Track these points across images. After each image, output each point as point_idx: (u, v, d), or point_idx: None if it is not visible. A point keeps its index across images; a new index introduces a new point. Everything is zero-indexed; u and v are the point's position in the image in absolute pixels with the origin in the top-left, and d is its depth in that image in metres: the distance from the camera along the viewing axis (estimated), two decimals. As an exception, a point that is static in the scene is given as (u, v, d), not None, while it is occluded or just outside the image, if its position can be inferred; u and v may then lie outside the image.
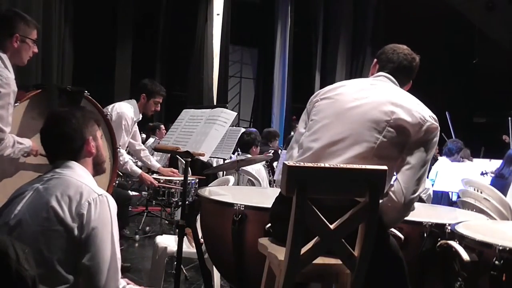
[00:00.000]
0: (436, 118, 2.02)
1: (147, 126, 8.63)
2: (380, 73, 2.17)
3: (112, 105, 4.02)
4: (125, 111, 3.92)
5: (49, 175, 1.80)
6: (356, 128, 1.94)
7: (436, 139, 2.01)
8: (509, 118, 7.86)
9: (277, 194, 2.00)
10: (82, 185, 1.75)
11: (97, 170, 1.94)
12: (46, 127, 1.91)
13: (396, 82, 2.14)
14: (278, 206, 1.99)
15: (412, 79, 2.24)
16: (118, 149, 3.38)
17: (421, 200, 4.09)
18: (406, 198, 1.93)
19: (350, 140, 1.92)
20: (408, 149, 1.95)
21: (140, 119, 4.10)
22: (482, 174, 5.04)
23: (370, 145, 1.91)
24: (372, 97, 2.01)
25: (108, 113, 3.85)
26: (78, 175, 1.80)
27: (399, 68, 2.17)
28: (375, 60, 2.25)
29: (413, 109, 1.97)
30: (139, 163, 4.90)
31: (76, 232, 1.67)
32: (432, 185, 5.68)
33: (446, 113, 8.50)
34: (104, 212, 1.73)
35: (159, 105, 4.11)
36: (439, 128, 2.01)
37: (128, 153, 4.36)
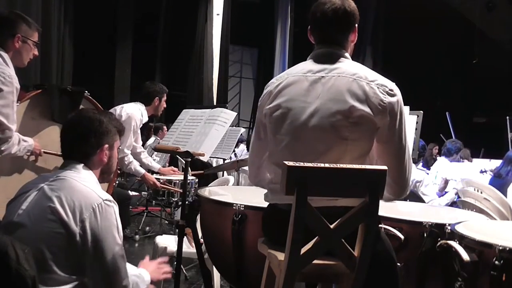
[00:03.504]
0: (391, 85, 1.84)
1: (147, 126, 8.61)
2: (318, 51, 1.96)
3: (121, 106, 4.11)
4: (135, 112, 4.00)
5: (55, 176, 1.79)
6: (319, 145, 1.81)
7: (402, 108, 1.84)
8: (507, 117, 7.86)
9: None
10: (87, 189, 1.74)
11: (103, 178, 1.92)
12: (69, 121, 1.91)
13: (341, 48, 1.94)
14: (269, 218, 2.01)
15: (354, 25, 1.95)
16: (120, 149, 3.39)
17: (421, 200, 4.10)
18: (400, 182, 1.85)
19: (319, 160, 1.79)
20: (379, 134, 1.83)
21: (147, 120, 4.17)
22: (482, 172, 5.06)
23: (340, 155, 1.81)
24: (324, 96, 1.83)
25: (116, 114, 3.89)
26: (83, 179, 1.79)
27: (334, 28, 1.92)
28: (309, 26, 2.00)
29: (369, 94, 1.79)
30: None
31: (78, 237, 1.67)
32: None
33: (447, 113, 8.49)
34: (109, 217, 1.73)
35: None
36: (399, 95, 1.84)
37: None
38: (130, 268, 1.89)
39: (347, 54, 1.96)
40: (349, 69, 1.87)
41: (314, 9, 1.94)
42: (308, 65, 1.95)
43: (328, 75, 1.87)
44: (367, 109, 1.79)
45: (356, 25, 1.97)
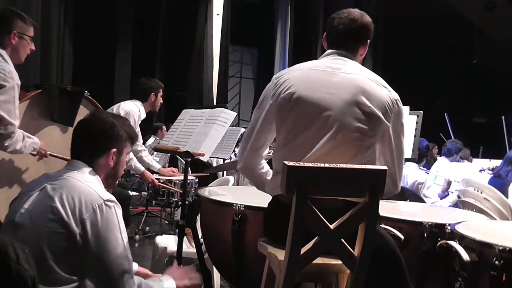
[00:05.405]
0: (397, 95, 1.98)
1: (152, 126, 8.58)
2: (331, 50, 2.05)
3: (118, 104, 4.11)
4: (133, 108, 4.01)
5: (58, 175, 1.78)
6: (339, 137, 1.87)
7: (402, 114, 2.01)
8: (503, 117, 7.89)
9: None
10: (89, 189, 1.73)
11: (108, 183, 1.88)
12: (83, 120, 1.91)
13: (352, 55, 2.04)
14: (272, 212, 2.02)
15: (367, 40, 2.10)
16: None
17: (421, 200, 4.09)
18: (394, 178, 1.97)
19: (338, 149, 1.87)
20: (386, 135, 1.96)
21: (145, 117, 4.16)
22: (480, 171, 5.07)
23: (358, 149, 1.88)
24: (346, 91, 1.90)
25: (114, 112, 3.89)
26: (85, 179, 1.77)
27: (347, 36, 2.04)
28: (325, 34, 2.12)
29: (386, 98, 1.93)
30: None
31: (78, 237, 1.66)
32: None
33: (445, 114, 8.49)
34: (110, 217, 1.71)
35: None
36: (401, 105, 1.99)
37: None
38: (135, 267, 1.87)
39: (356, 60, 2.06)
40: (365, 72, 1.99)
41: (333, 16, 2.07)
42: (324, 62, 2.02)
43: (348, 73, 1.95)
44: (383, 110, 1.90)
45: (369, 41, 2.09)
